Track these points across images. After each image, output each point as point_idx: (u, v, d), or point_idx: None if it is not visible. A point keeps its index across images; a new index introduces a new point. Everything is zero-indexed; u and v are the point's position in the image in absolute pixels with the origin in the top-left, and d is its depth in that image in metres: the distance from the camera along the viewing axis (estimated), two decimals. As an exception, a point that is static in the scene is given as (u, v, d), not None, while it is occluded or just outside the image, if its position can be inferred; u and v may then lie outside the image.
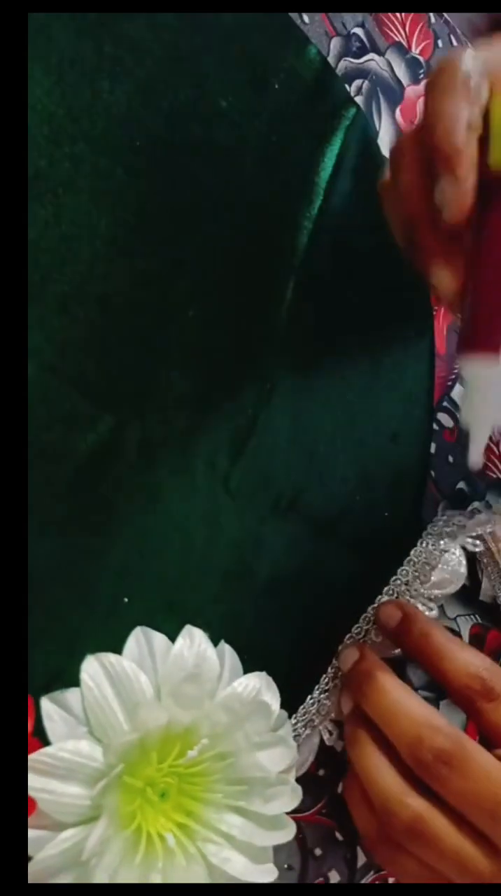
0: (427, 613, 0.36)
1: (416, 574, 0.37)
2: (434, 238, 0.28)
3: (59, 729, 0.26)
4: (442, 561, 0.37)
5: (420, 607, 0.36)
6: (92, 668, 0.26)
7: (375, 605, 0.36)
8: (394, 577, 0.37)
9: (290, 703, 0.32)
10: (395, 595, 0.36)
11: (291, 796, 0.30)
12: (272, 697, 0.31)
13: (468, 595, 0.39)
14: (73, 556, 0.28)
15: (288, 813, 0.30)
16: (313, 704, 0.34)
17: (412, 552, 0.37)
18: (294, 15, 0.38)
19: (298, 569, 0.34)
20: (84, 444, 0.28)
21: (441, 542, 0.37)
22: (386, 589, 0.37)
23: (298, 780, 0.31)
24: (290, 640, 0.34)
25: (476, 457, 0.28)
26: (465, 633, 0.39)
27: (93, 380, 0.29)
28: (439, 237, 0.28)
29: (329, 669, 0.35)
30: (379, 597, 0.36)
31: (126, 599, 0.29)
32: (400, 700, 0.30)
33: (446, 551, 0.37)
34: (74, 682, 0.27)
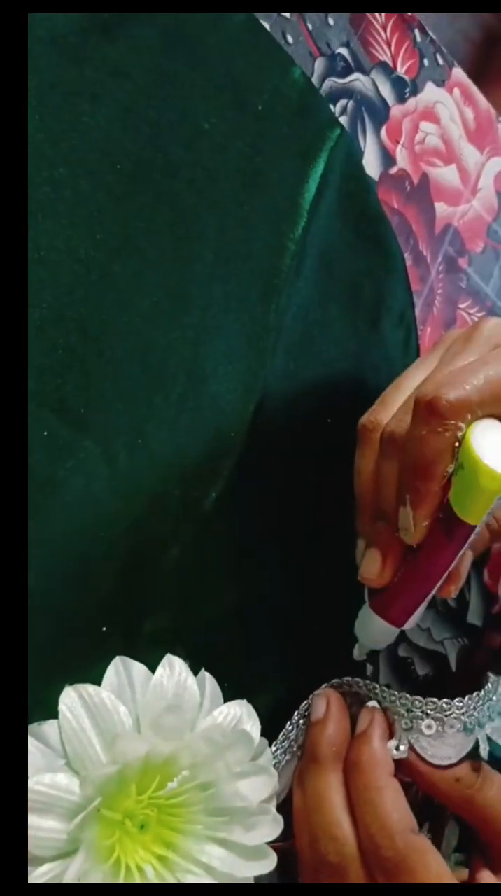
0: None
1: None
2: (375, 528, 0.31)
3: (36, 761, 0.26)
4: None
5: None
6: (69, 699, 0.26)
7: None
8: None
9: (270, 729, 0.32)
10: None
11: (272, 825, 0.29)
12: (252, 726, 0.30)
13: (455, 617, 0.39)
14: (52, 586, 0.28)
15: (268, 843, 0.29)
16: (293, 731, 0.34)
17: None
18: (278, 35, 0.38)
19: (278, 595, 0.34)
20: (63, 470, 0.28)
21: None
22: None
23: (279, 808, 0.30)
24: (271, 666, 0.34)
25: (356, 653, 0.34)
26: (452, 656, 0.39)
27: (74, 406, 0.29)
28: (381, 530, 0.31)
29: (309, 696, 0.34)
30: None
31: (104, 629, 0.29)
32: (322, 793, 0.31)
33: None
34: (53, 713, 0.26)
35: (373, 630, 0.33)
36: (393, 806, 0.29)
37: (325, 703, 0.33)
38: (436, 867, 0.28)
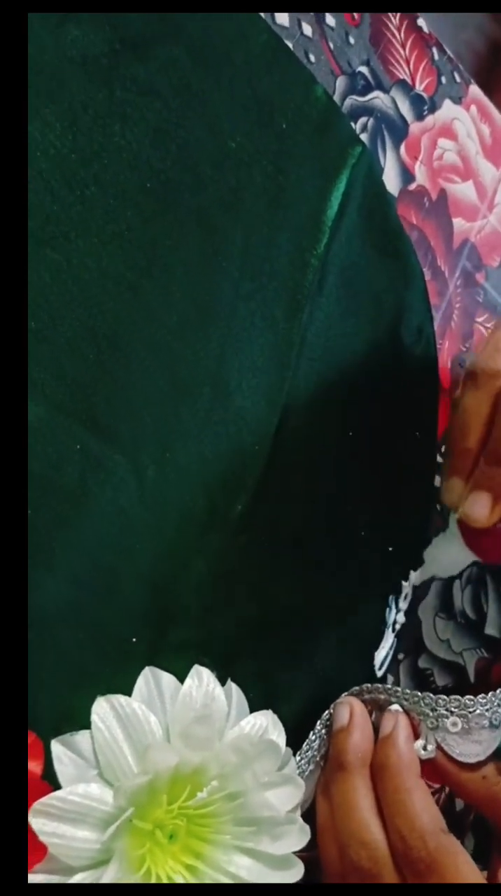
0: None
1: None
2: (487, 472, 0.34)
3: (69, 772, 0.26)
4: None
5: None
6: (102, 709, 0.27)
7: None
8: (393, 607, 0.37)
9: (292, 740, 0.32)
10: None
11: (300, 835, 0.30)
12: (278, 735, 0.31)
13: (474, 628, 0.39)
14: (82, 598, 0.28)
15: (294, 852, 0.30)
16: (315, 741, 0.34)
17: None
18: (300, 54, 0.38)
19: (301, 606, 0.34)
20: (95, 483, 0.29)
21: None
22: (388, 618, 0.37)
23: (304, 818, 0.31)
24: (294, 676, 0.34)
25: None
26: (470, 667, 0.40)
27: (104, 419, 0.29)
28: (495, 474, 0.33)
29: (331, 705, 0.35)
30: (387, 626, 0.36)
31: (134, 640, 0.29)
32: (351, 801, 0.31)
33: None
34: (84, 723, 0.27)
35: (451, 559, 0.35)
36: (423, 807, 0.30)
37: (349, 711, 0.33)
38: (467, 868, 0.28)
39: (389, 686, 0.34)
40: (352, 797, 0.31)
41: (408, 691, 0.33)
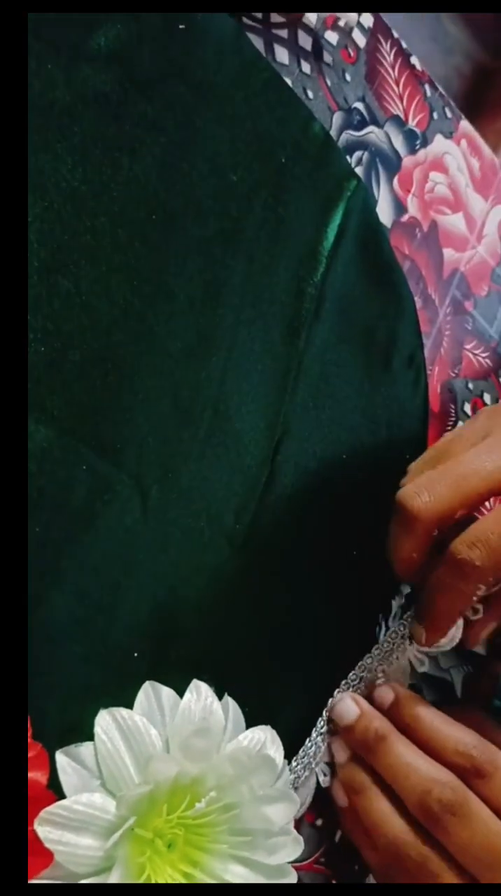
0: (419, 668, 0.37)
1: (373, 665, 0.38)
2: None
3: (73, 782, 0.27)
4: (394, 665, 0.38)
5: (414, 661, 0.37)
6: (105, 721, 0.27)
7: (377, 647, 0.37)
8: (391, 631, 0.38)
9: (289, 750, 0.33)
10: (393, 642, 0.38)
11: (294, 846, 0.31)
12: (276, 751, 0.32)
13: (459, 645, 0.40)
14: (87, 613, 0.29)
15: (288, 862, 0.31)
16: (311, 747, 0.35)
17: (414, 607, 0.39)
18: (299, 90, 0.40)
19: (299, 622, 0.36)
20: (101, 503, 0.30)
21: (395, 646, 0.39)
22: (382, 639, 0.38)
23: (296, 828, 0.32)
24: (291, 688, 0.35)
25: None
26: (458, 683, 0.41)
27: (110, 442, 0.30)
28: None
29: (324, 712, 0.36)
30: (377, 647, 0.37)
31: (136, 654, 0.30)
32: (409, 757, 0.33)
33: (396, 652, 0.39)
34: (87, 735, 0.28)
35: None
36: (457, 726, 0.34)
37: (352, 700, 0.35)
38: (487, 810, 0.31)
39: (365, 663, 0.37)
40: (406, 753, 0.33)
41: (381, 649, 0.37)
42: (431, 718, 0.34)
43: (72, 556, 0.29)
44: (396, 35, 0.45)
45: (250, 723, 0.32)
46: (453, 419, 0.44)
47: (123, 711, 0.28)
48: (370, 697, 0.36)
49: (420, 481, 0.33)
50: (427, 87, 0.46)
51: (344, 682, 0.37)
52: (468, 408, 0.45)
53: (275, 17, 0.40)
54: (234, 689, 0.31)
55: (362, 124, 0.43)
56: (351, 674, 0.37)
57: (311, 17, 0.41)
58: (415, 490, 0.33)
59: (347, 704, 0.35)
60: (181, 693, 0.30)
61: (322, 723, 0.36)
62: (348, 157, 0.41)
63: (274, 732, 0.31)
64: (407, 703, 0.35)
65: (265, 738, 0.31)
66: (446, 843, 0.31)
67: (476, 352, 0.46)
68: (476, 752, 0.32)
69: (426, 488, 0.33)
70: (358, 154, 0.42)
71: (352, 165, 0.41)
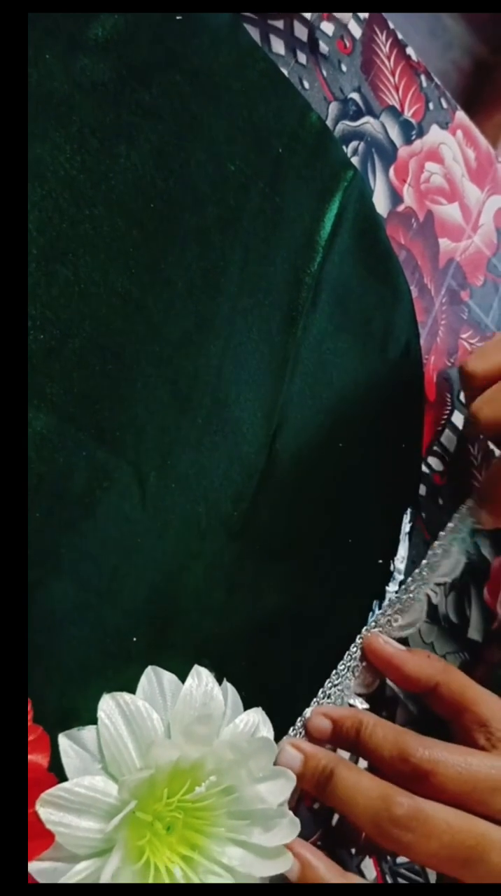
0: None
1: (388, 618, 0.39)
2: None
3: (75, 764, 0.27)
4: (411, 607, 0.39)
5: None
6: (108, 706, 0.28)
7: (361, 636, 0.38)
8: (373, 619, 0.38)
9: (280, 734, 0.34)
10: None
11: (290, 828, 0.31)
12: (268, 731, 0.32)
13: (457, 633, 0.41)
14: (87, 598, 0.29)
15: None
16: (295, 736, 0.35)
17: (392, 596, 0.39)
18: (295, 81, 0.40)
19: (295, 608, 0.36)
20: (100, 490, 0.30)
21: (412, 588, 0.39)
22: (364, 629, 0.38)
23: (293, 811, 0.32)
24: (283, 674, 0.36)
25: None
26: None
27: (109, 429, 0.30)
28: None
29: (312, 702, 0.36)
30: (359, 636, 0.38)
31: (135, 639, 0.31)
32: (352, 780, 0.32)
33: (415, 599, 0.39)
34: (87, 717, 0.28)
35: None
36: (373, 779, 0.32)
37: (296, 748, 0.34)
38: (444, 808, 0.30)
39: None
40: (349, 776, 0.32)
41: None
42: (370, 731, 0.33)
43: (71, 542, 0.29)
44: (392, 26, 0.45)
45: (247, 707, 0.32)
46: (449, 408, 0.44)
47: (126, 696, 0.28)
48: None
49: None
50: (422, 77, 0.47)
51: (341, 663, 0.37)
52: (463, 397, 0.45)
53: (272, 7, 0.40)
54: (231, 674, 0.32)
55: (358, 114, 0.43)
56: (345, 654, 0.37)
57: (307, 8, 0.41)
58: None
59: (289, 753, 0.33)
60: (180, 677, 0.30)
61: (315, 705, 0.36)
62: (344, 148, 0.41)
63: (264, 714, 0.32)
64: (344, 722, 0.34)
65: (258, 720, 0.31)
66: (413, 859, 0.30)
67: (472, 341, 0.47)
68: (412, 751, 0.31)
69: None
70: (354, 144, 0.42)
71: (349, 156, 0.41)
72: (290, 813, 0.31)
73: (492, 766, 0.31)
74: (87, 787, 0.27)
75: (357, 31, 0.43)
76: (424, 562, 0.40)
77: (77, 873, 0.26)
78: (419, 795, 0.30)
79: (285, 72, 0.39)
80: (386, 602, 0.39)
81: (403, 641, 0.38)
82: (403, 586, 0.39)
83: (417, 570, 0.40)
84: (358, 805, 0.31)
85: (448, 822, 0.30)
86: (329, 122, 0.41)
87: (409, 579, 0.39)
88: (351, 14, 0.43)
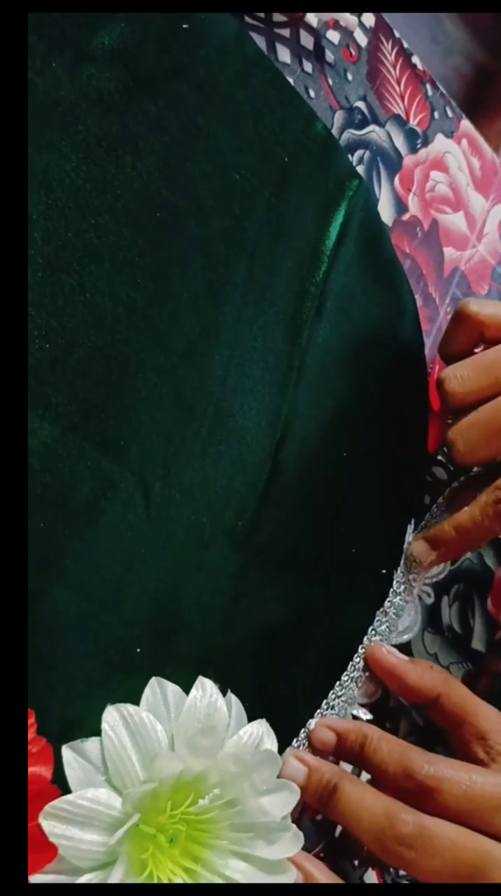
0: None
1: (386, 625, 0.38)
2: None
3: (78, 776, 0.27)
4: (406, 610, 0.39)
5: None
6: (112, 718, 0.28)
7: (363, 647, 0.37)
8: (371, 628, 0.38)
9: (284, 746, 0.34)
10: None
11: (293, 841, 0.31)
12: (272, 744, 0.32)
13: (461, 643, 0.41)
14: (90, 608, 0.29)
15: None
16: (298, 747, 0.35)
17: (386, 603, 0.39)
18: (301, 90, 0.40)
19: (299, 619, 0.36)
20: (105, 499, 0.30)
21: (402, 591, 0.39)
22: (365, 639, 0.38)
23: (296, 823, 0.32)
24: (287, 687, 0.35)
25: None
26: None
27: (114, 439, 0.30)
28: None
29: (315, 713, 0.36)
30: (361, 647, 0.38)
31: (138, 650, 0.30)
32: (356, 796, 0.31)
33: (408, 601, 0.39)
34: (89, 728, 0.28)
35: None
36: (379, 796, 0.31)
37: (300, 761, 0.33)
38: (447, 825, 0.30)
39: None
40: (354, 792, 0.32)
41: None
42: (374, 745, 0.33)
43: (75, 552, 0.29)
44: (397, 35, 0.45)
45: (250, 718, 0.32)
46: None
47: (130, 708, 0.28)
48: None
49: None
50: (428, 86, 0.47)
51: (344, 673, 0.37)
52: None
53: (277, 17, 0.40)
54: (235, 685, 0.32)
55: (363, 123, 0.43)
56: (348, 664, 0.37)
57: (312, 18, 0.41)
58: None
59: (293, 766, 0.33)
60: (183, 688, 0.30)
61: (312, 723, 0.36)
62: (349, 156, 0.41)
63: (268, 726, 0.32)
64: (348, 735, 0.34)
65: (262, 732, 0.31)
66: (416, 876, 0.30)
67: (476, 350, 0.46)
68: (417, 768, 0.31)
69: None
70: (359, 153, 0.42)
71: (354, 164, 0.41)
72: (294, 826, 0.31)
73: (496, 785, 0.31)
74: (91, 800, 0.26)
75: (362, 39, 0.43)
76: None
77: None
78: (422, 812, 0.30)
79: (291, 80, 0.39)
80: (379, 610, 0.38)
81: (404, 648, 0.38)
82: (391, 589, 0.39)
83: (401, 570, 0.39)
84: (362, 821, 0.31)
85: (451, 839, 0.29)
86: (334, 131, 0.41)
87: (396, 582, 0.39)
88: (356, 22, 0.43)
